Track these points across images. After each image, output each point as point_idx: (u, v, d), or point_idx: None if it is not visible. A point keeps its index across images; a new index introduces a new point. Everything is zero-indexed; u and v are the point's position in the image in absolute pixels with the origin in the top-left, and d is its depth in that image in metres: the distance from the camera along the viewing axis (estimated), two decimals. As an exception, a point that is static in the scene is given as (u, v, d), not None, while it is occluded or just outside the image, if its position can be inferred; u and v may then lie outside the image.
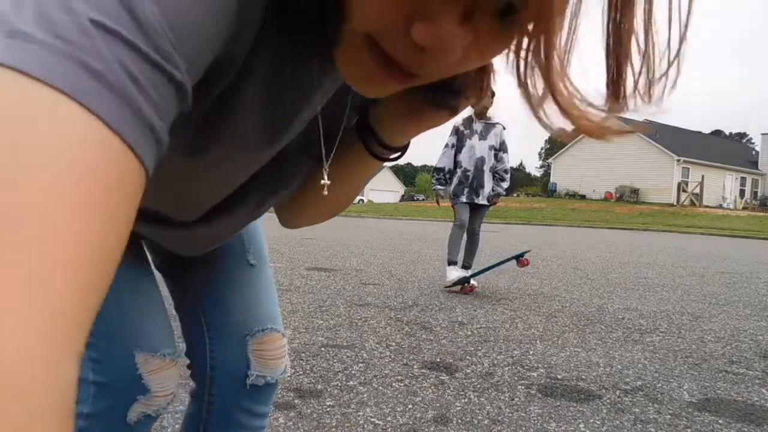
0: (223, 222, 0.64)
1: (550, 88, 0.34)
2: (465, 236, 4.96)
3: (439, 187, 5.04)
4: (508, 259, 4.69)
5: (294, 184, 0.63)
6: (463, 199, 4.85)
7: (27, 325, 0.21)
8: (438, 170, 5.02)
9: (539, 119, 0.36)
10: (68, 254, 0.23)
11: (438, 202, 5.19)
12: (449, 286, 4.71)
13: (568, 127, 0.35)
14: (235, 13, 0.33)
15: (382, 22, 0.35)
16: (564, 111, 0.35)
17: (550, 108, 0.35)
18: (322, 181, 0.56)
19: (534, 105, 0.35)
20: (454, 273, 4.72)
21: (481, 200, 4.88)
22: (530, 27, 0.34)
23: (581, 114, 0.35)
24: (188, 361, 0.92)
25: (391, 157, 0.59)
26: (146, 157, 0.27)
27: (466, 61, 0.38)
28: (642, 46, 0.33)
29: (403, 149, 0.59)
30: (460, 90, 0.49)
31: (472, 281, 4.67)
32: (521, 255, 4.58)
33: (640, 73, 0.33)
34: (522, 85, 0.35)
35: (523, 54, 0.35)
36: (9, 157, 0.22)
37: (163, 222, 0.64)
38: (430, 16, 0.34)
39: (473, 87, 0.49)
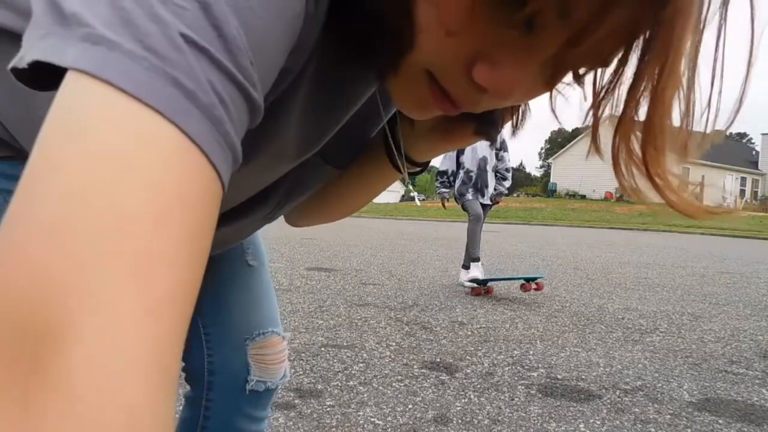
0: (238, 224, 0.63)
1: (645, 159, 0.32)
2: (466, 237, 4.96)
3: (444, 190, 5.04)
4: (519, 278, 4.60)
5: (314, 189, 0.62)
6: (469, 196, 4.86)
7: (146, 366, 0.21)
8: (441, 173, 5.04)
9: (624, 185, 0.34)
10: (170, 282, 0.22)
11: (444, 205, 5.18)
12: (470, 281, 4.70)
13: (655, 198, 0.34)
14: (302, 28, 0.33)
15: (444, 61, 0.35)
16: (654, 184, 0.33)
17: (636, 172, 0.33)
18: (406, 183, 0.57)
19: (623, 173, 0.34)
20: (476, 271, 4.71)
21: (486, 200, 4.89)
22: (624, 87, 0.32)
23: (668, 186, 0.33)
24: (183, 365, 0.91)
25: (413, 171, 0.59)
26: (225, 179, 0.27)
27: (519, 100, 0.38)
28: (683, 103, 0.31)
29: (425, 165, 0.59)
30: (500, 119, 0.50)
31: (488, 284, 4.66)
32: (533, 278, 4.44)
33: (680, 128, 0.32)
34: (613, 149, 0.33)
35: (606, 110, 0.34)
36: (113, 182, 0.22)
37: None
38: (495, 59, 0.34)
39: (509, 115, 0.50)
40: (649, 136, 0.32)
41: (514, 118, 0.50)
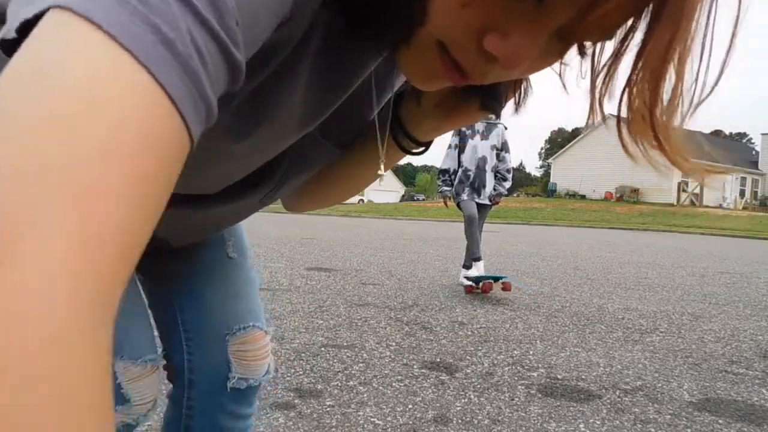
0: (236, 205, 0.62)
1: (652, 122, 0.34)
2: (466, 238, 4.95)
3: (446, 188, 5.02)
4: (487, 277, 4.61)
5: (316, 169, 0.62)
6: (465, 196, 4.86)
7: (76, 292, 0.21)
8: (443, 172, 5.02)
9: (627, 149, 0.36)
10: (115, 217, 0.23)
11: (446, 204, 5.17)
12: (465, 277, 4.70)
13: (661, 160, 0.36)
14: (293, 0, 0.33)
15: (456, 31, 0.36)
16: (660, 145, 0.35)
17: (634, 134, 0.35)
18: (379, 171, 0.58)
19: (626, 137, 0.35)
20: (475, 271, 4.71)
21: (483, 200, 4.88)
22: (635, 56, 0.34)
23: (671, 146, 0.35)
24: (165, 362, 0.85)
25: (416, 150, 0.60)
26: (195, 131, 0.27)
27: (527, 72, 0.39)
28: (675, 74, 0.33)
29: (428, 144, 0.60)
30: (504, 93, 0.51)
31: (481, 284, 4.65)
32: (496, 278, 4.48)
33: (672, 98, 0.34)
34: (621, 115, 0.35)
35: (607, 80, 0.35)
36: (72, 115, 0.22)
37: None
38: (505, 29, 0.35)
39: (512, 91, 0.51)
40: (655, 100, 0.33)
41: (517, 95, 0.51)
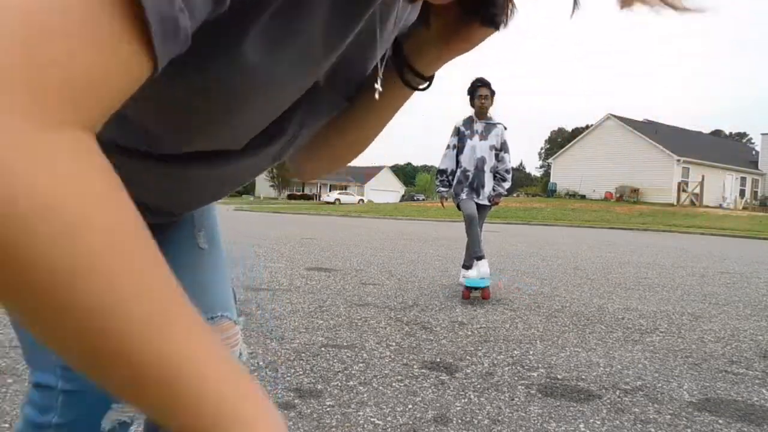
0: (253, 161, 0.62)
1: None
2: (467, 237, 4.94)
3: (443, 189, 5.00)
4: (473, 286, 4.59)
5: (324, 119, 0.63)
6: (464, 196, 4.84)
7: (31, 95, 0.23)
8: (441, 172, 5.00)
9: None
10: (61, 53, 0.23)
11: (442, 204, 5.15)
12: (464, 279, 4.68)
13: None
14: None
15: None
16: None
17: None
18: (376, 85, 0.59)
19: None
20: (474, 271, 4.68)
21: (482, 200, 4.86)
22: None
23: None
24: None
25: (422, 86, 0.61)
26: (160, 50, 0.27)
27: None
28: None
29: (431, 79, 0.62)
30: (502, 5, 0.53)
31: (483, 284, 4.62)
32: (474, 288, 4.45)
33: None
34: None
35: None
36: None
37: (180, 158, 0.60)
38: None
39: (506, 4, 0.53)
40: None
41: (509, 3, 0.54)
